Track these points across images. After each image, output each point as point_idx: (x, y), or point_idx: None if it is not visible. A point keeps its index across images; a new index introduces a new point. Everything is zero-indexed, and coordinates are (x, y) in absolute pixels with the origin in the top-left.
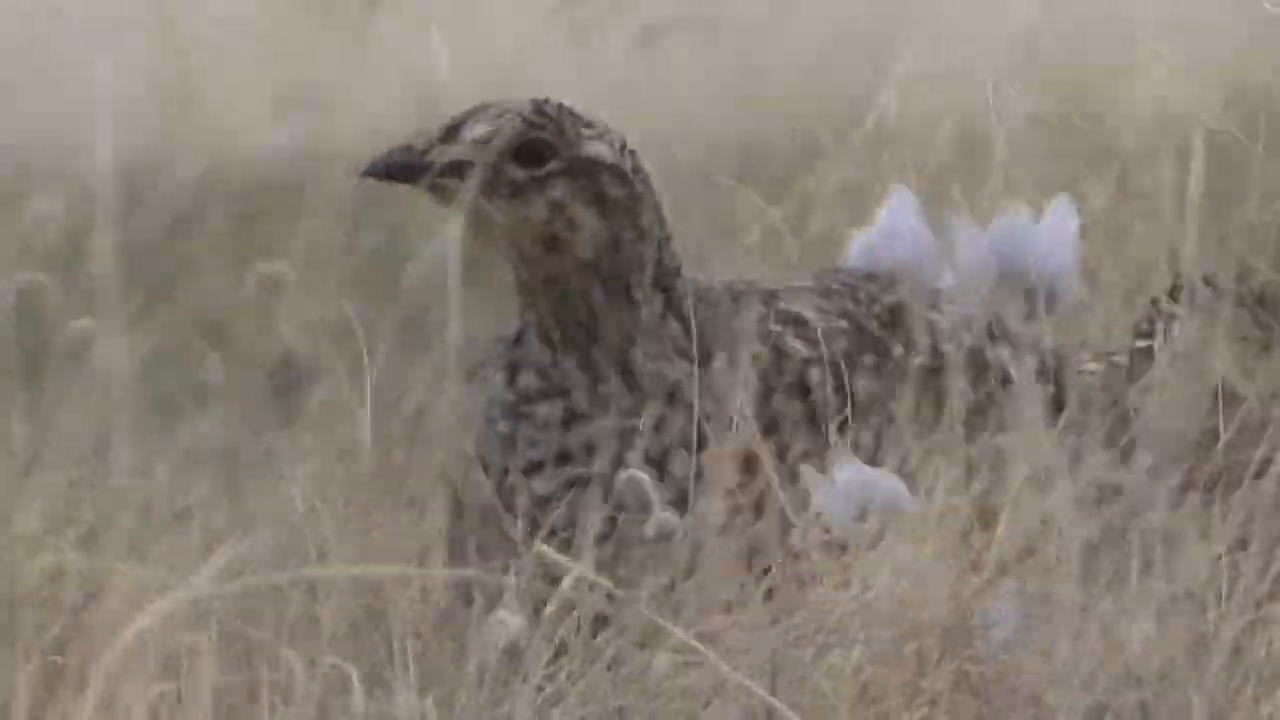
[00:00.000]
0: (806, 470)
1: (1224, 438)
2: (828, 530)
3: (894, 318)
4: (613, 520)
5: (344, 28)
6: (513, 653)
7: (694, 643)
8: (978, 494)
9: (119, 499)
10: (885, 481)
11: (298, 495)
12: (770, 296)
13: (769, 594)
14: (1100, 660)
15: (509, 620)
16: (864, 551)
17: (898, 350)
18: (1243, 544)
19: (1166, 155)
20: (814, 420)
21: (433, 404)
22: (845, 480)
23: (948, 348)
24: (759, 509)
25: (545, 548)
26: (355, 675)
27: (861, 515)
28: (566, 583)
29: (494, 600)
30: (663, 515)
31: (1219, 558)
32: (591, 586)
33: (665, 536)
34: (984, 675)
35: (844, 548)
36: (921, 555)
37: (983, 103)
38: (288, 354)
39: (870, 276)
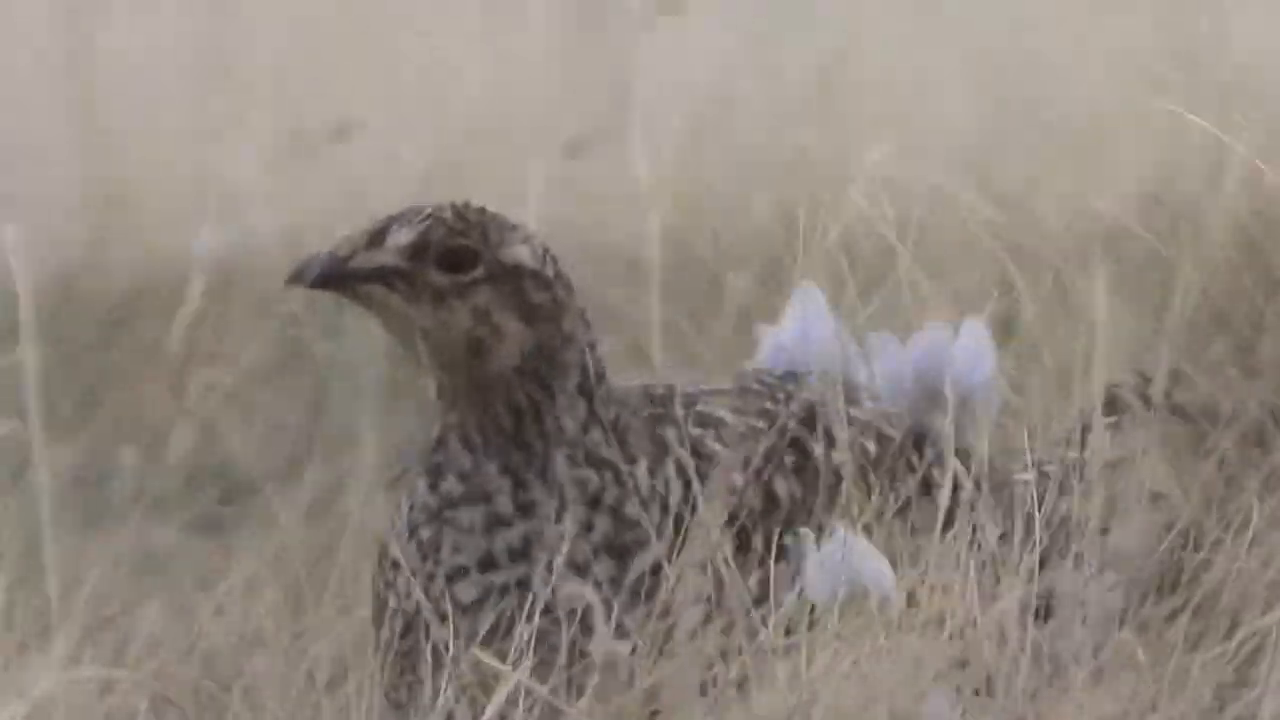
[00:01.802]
0: (802, 535)
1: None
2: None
3: (811, 417)
4: (543, 628)
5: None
6: None
7: None
8: (922, 597)
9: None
10: (874, 559)
11: (230, 602)
12: (689, 399)
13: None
14: None
15: None
16: (822, 640)
17: (817, 448)
18: (1185, 651)
19: (1089, 262)
20: (737, 523)
21: (362, 510)
22: (835, 550)
23: (868, 443)
24: (709, 617)
25: (482, 653)
26: None
27: (841, 592)
28: (504, 690)
29: (424, 712)
30: (611, 644)
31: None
32: (528, 693)
33: (612, 664)
34: None
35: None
36: (865, 657)
37: (902, 210)
38: (221, 464)
39: (788, 375)
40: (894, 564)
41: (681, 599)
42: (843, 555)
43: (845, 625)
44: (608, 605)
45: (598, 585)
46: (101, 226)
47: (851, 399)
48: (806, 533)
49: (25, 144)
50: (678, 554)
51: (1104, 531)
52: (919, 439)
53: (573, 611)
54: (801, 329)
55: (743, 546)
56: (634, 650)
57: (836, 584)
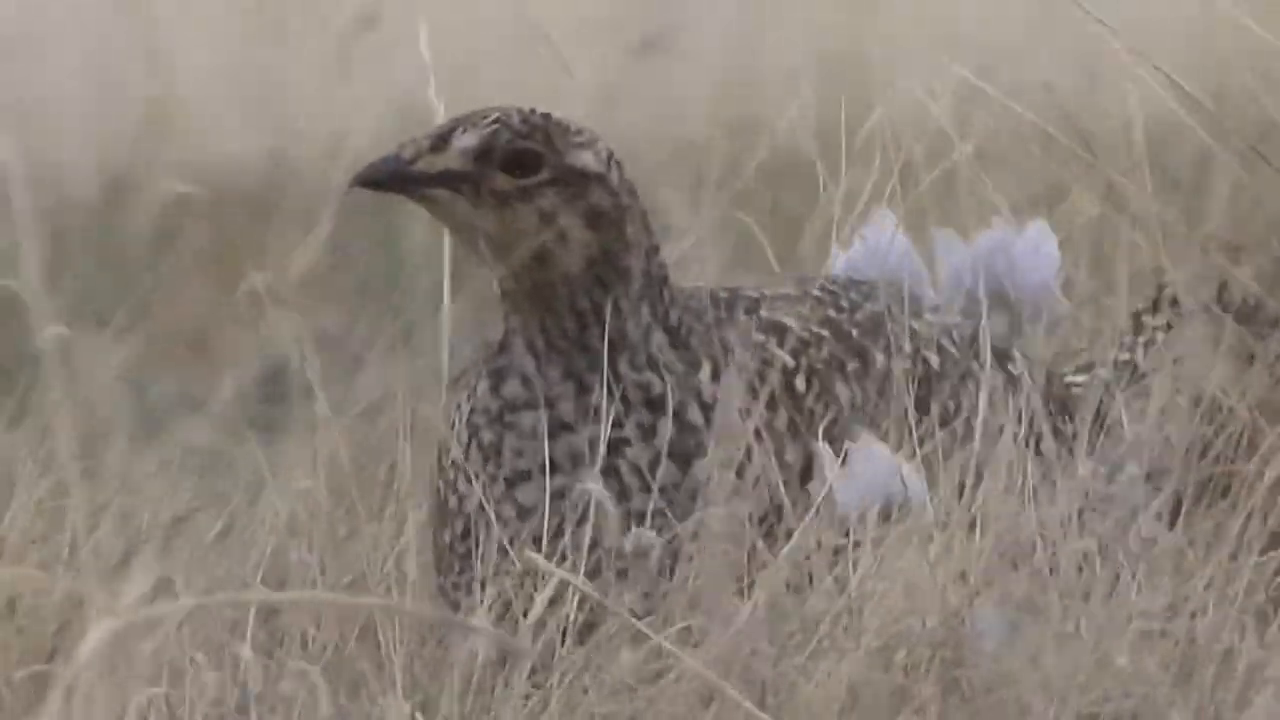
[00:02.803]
0: (823, 451)
1: (1214, 450)
2: (830, 527)
3: (875, 325)
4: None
5: (325, 45)
6: (501, 661)
7: (679, 653)
8: (968, 502)
9: (103, 510)
10: (906, 472)
11: (283, 507)
12: (753, 304)
13: (758, 601)
14: (1088, 670)
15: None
16: (866, 547)
17: (880, 357)
18: (1233, 556)
19: (1147, 167)
20: (798, 427)
21: (418, 412)
22: (864, 463)
23: (930, 355)
24: (751, 517)
25: (533, 555)
26: (340, 686)
27: (873, 504)
28: (548, 590)
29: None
30: (640, 532)
31: (1208, 569)
32: (576, 594)
33: (643, 553)
34: (972, 683)
35: (837, 551)
36: (912, 563)
37: (960, 116)
38: (273, 364)
39: (852, 284)
40: (944, 473)
41: (714, 493)
42: (866, 466)
43: (887, 532)
44: (671, 509)
45: (660, 490)
46: (149, 133)
47: (915, 311)
48: (823, 447)
49: (70, 51)
50: (735, 458)
51: (1154, 434)
52: (977, 344)
53: (627, 513)
54: (872, 252)
55: (807, 451)
56: (676, 551)
57: (863, 493)
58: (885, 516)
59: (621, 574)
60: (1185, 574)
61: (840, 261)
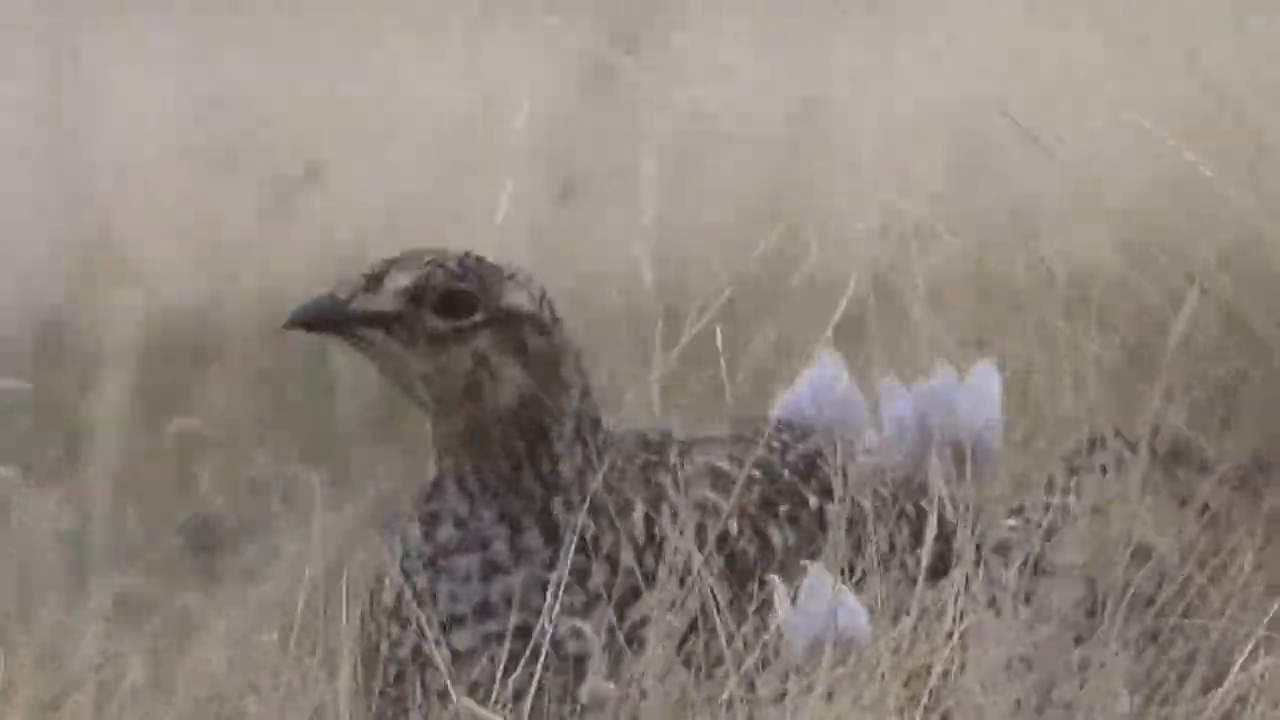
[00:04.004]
0: (774, 583)
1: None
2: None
3: (808, 466)
4: (533, 675)
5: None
6: None
7: None
8: (907, 649)
9: (36, 656)
10: (851, 605)
11: (216, 656)
12: (685, 447)
13: None
14: None
15: None
16: (809, 689)
17: (813, 499)
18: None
19: (1079, 309)
20: (733, 571)
21: (350, 559)
22: (815, 593)
23: (863, 499)
24: (690, 661)
25: (469, 702)
26: None
27: (818, 642)
28: None
29: None
30: (596, 683)
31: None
32: None
33: (599, 704)
34: None
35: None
36: (848, 711)
37: (902, 257)
38: (207, 511)
39: (784, 425)
40: (887, 616)
41: (654, 639)
42: (815, 600)
43: (830, 675)
44: (604, 652)
45: (594, 633)
46: (84, 277)
47: (848, 453)
48: (777, 580)
49: (6, 193)
50: (673, 602)
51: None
52: (916, 491)
53: (568, 658)
54: (815, 393)
55: (737, 595)
56: (625, 695)
57: (811, 629)
58: (832, 652)
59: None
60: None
61: (782, 401)
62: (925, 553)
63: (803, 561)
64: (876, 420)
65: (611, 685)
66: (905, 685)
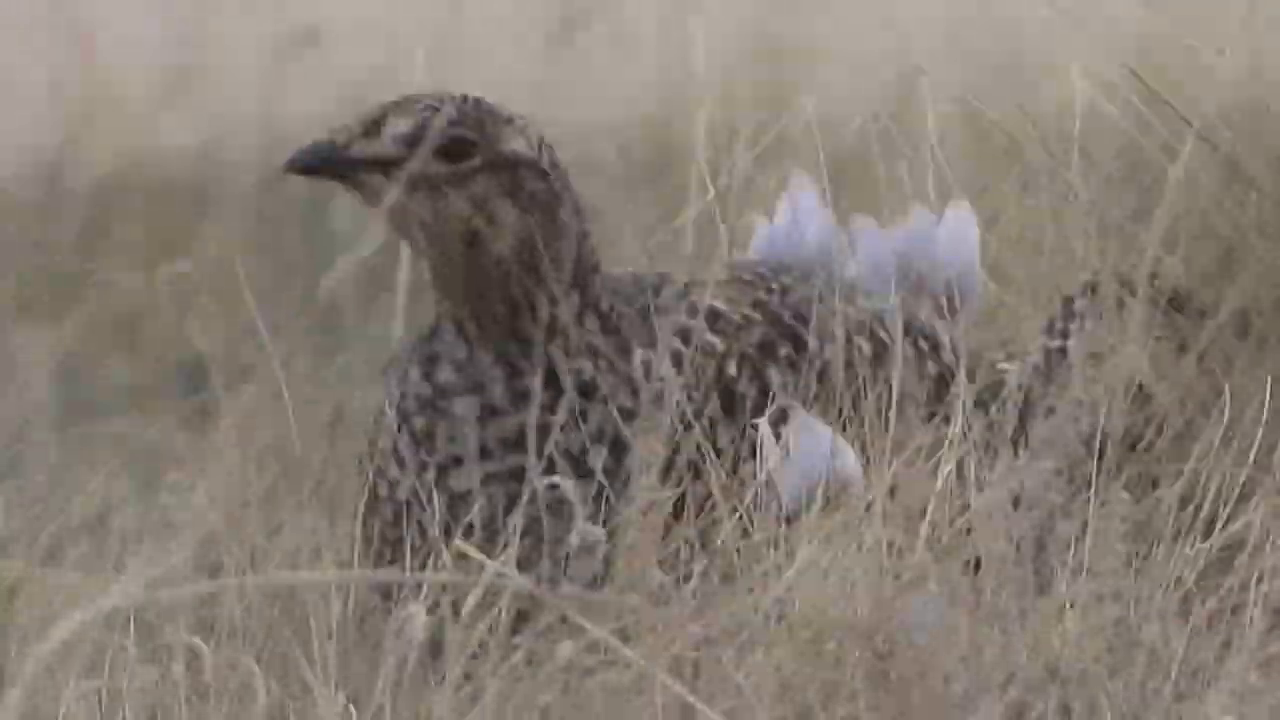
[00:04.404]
0: (763, 428)
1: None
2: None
3: (808, 309)
4: (534, 518)
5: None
6: (434, 652)
7: (614, 641)
8: (902, 491)
9: (34, 501)
10: (843, 452)
11: (215, 497)
12: (683, 289)
13: (692, 591)
14: (1021, 660)
15: (416, 614)
16: (800, 536)
17: (812, 342)
18: (1155, 543)
19: (1079, 153)
20: (732, 413)
21: (349, 401)
22: (804, 441)
23: (863, 341)
24: (682, 505)
25: (463, 544)
26: (274, 677)
27: (810, 485)
28: (484, 579)
29: (411, 599)
30: (586, 528)
31: (1140, 558)
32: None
33: (589, 549)
34: (903, 675)
35: (771, 540)
36: (844, 552)
37: (894, 100)
38: (204, 356)
39: (782, 268)
40: (878, 459)
41: (641, 474)
42: (806, 444)
43: (824, 521)
44: (601, 495)
45: (591, 475)
46: (83, 120)
47: (848, 296)
48: (765, 425)
49: (7, 36)
50: (670, 450)
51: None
52: (915, 332)
53: (561, 503)
54: (793, 222)
55: (735, 438)
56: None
57: (803, 475)
58: (824, 497)
59: (566, 568)
60: (1118, 565)
61: (760, 235)
62: (895, 382)
63: (790, 406)
64: (855, 257)
65: (601, 529)
66: (903, 529)
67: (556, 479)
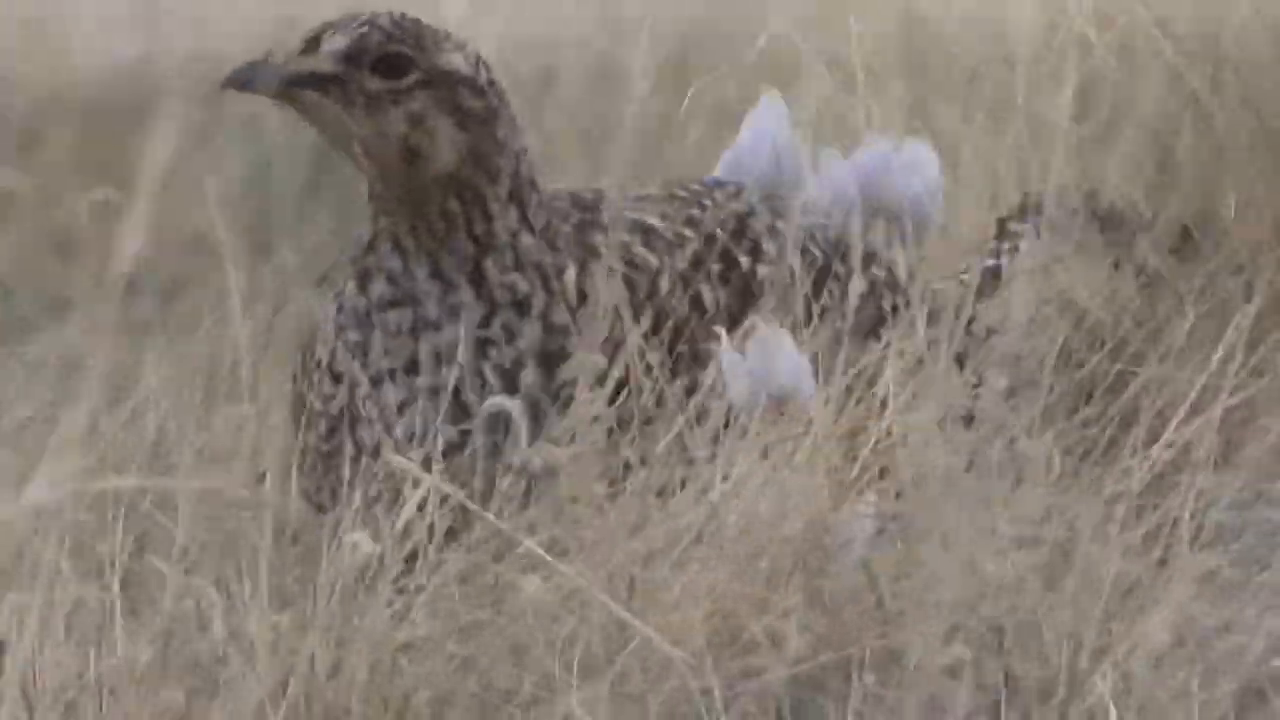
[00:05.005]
0: (723, 337)
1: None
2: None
3: (740, 226)
4: (465, 432)
5: None
6: (365, 565)
7: (547, 556)
8: (837, 408)
9: None
10: (795, 357)
11: (150, 407)
12: (619, 206)
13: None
14: (956, 578)
15: (361, 543)
16: (736, 452)
17: (744, 259)
18: (1095, 462)
19: (1025, 74)
20: (663, 330)
21: (283, 313)
22: (764, 351)
23: (794, 258)
24: (618, 420)
25: (397, 457)
26: (209, 590)
27: (759, 394)
28: (417, 494)
29: (343, 513)
30: (526, 451)
31: (1072, 478)
32: (444, 498)
33: (527, 470)
34: (836, 593)
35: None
36: (780, 469)
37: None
38: (139, 268)
39: (717, 185)
40: (821, 377)
41: (581, 387)
42: (763, 356)
43: (765, 433)
44: (535, 411)
45: (525, 391)
46: (21, 37)
47: (781, 213)
48: (724, 335)
49: None
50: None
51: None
52: (856, 253)
53: (494, 416)
54: (758, 139)
55: (669, 352)
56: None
57: (757, 386)
58: (777, 408)
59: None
60: (1054, 483)
61: (726, 156)
62: (854, 300)
63: (751, 319)
64: (816, 179)
65: (540, 456)
66: (845, 448)
67: (501, 399)
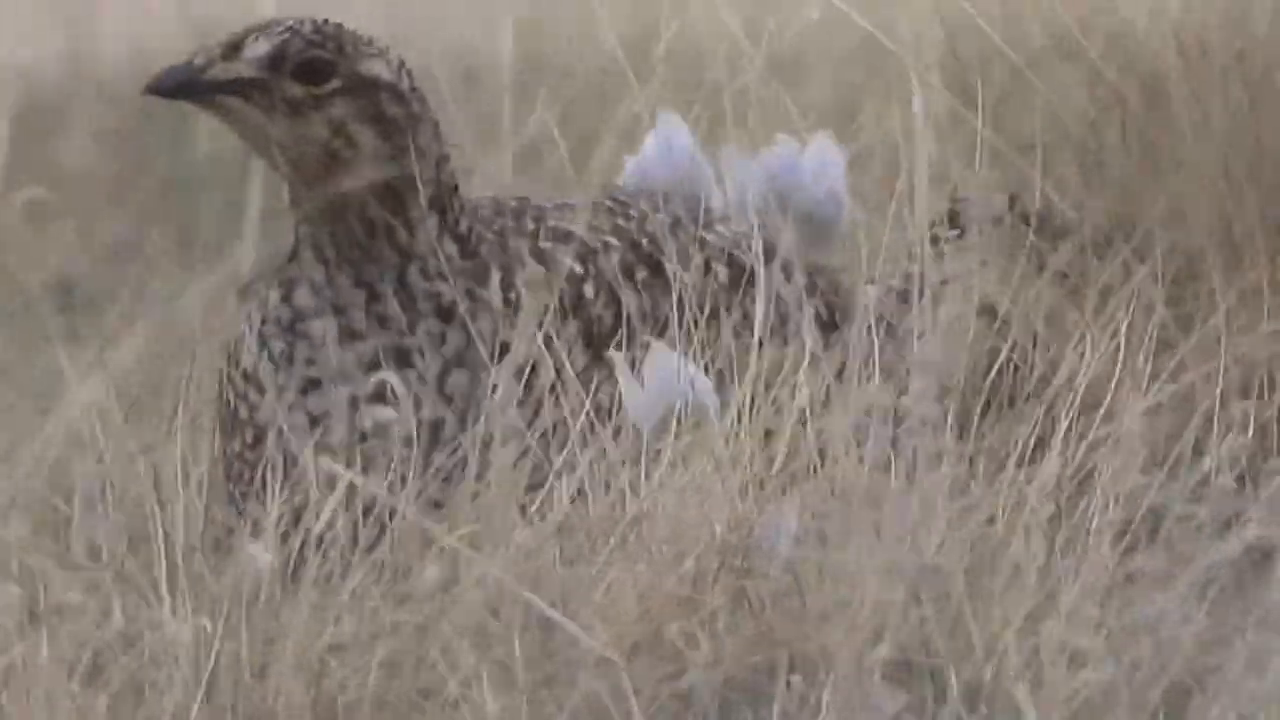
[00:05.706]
0: (616, 359)
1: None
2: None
3: (666, 234)
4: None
5: None
6: (286, 570)
7: (473, 554)
8: (760, 412)
9: None
10: (697, 378)
11: (75, 414)
12: (541, 213)
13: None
14: (879, 577)
15: (259, 556)
16: (658, 456)
17: (669, 267)
18: (1019, 463)
19: (942, 74)
20: (588, 337)
21: (208, 322)
22: (656, 370)
23: (720, 266)
24: (539, 425)
25: (323, 459)
26: (127, 599)
27: (665, 414)
28: (337, 493)
29: (257, 520)
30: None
31: (994, 477)
32: (366, 508)
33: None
34: (761, 593)
35: (629, 460)
36: (704, 470)
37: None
38: (65, 275)
39: (643, 194)
40: (735, 381)
41: (501, 403)
42: (656, 376)
43: (680, 442)
44: (461, 418)
45: (451, 398)
46: None
47: (706, 222)
48: (618, 355)
49: None
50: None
51: (940, 345)
52: (760, 255)
53: (422, 423)
54: (661, 155)
55: (595, 360)
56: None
57: (653, 404)
58: (675, 423)
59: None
60: (977, 482)
61: (630, 166)
62: (760, 306)
63: (645, 339)
64: (722, 186)
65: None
66: (764, 452)
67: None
